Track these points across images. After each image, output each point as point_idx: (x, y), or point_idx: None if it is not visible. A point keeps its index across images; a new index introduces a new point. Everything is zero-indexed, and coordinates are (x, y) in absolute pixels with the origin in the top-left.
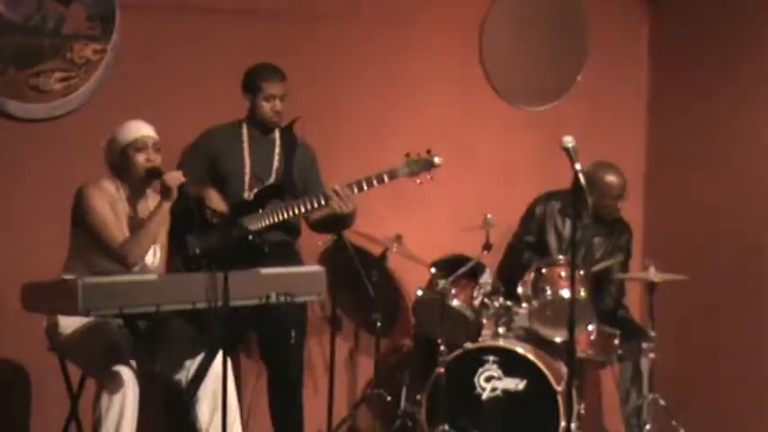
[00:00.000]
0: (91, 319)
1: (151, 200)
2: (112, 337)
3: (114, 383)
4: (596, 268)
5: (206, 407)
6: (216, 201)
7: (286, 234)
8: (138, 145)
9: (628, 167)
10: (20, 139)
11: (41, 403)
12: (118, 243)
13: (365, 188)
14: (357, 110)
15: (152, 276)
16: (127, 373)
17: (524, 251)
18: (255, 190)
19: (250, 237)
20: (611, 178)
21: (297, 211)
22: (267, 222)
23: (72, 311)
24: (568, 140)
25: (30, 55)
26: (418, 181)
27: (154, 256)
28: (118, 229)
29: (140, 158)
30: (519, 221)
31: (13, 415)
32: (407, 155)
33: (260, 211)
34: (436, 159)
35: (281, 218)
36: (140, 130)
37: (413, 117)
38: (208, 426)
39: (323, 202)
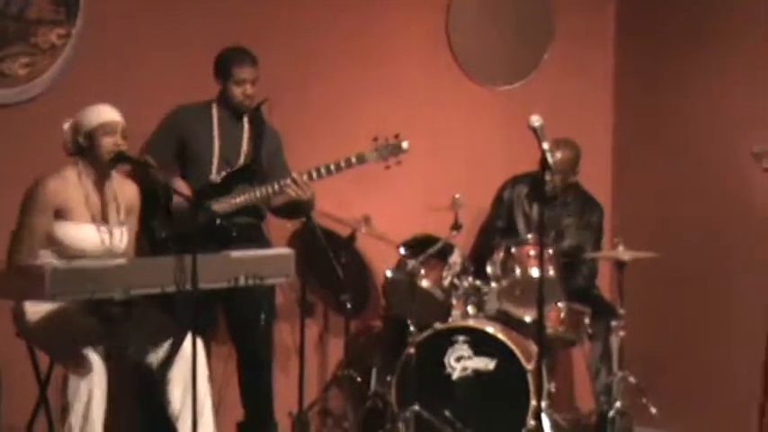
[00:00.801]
0: (57, 304)
1: (116, 182)
2: (79, 323)
3: (81, 368)
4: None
5: (177, 390)
6: (182, 187)
7: (253, 217)
8: (106, 129)
9: (595, 145)
10: None
11: (9, 390)
12: (17, 259)
13: (333, 172)
14: (324, 91)
15: (121, 261)
16: (94, 358)
17: (495, 236)
18: (223, 173)
19: (218, 221)
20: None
21: (261, 195)
22: (233, 205)
23: (39, 297)
24: (535, 119)
25: None
26: (386, 166)
27: (120, 240)
28: (29, 249)
29: (108, 142)
30: (490, 206)
31: None
32: (375, 139)
33: (227, 194)
34: (404, 144)
35: (245, 200)
36: (108, 113)
37: (380, 97)
38: (180, 409)
39: (277, 189)
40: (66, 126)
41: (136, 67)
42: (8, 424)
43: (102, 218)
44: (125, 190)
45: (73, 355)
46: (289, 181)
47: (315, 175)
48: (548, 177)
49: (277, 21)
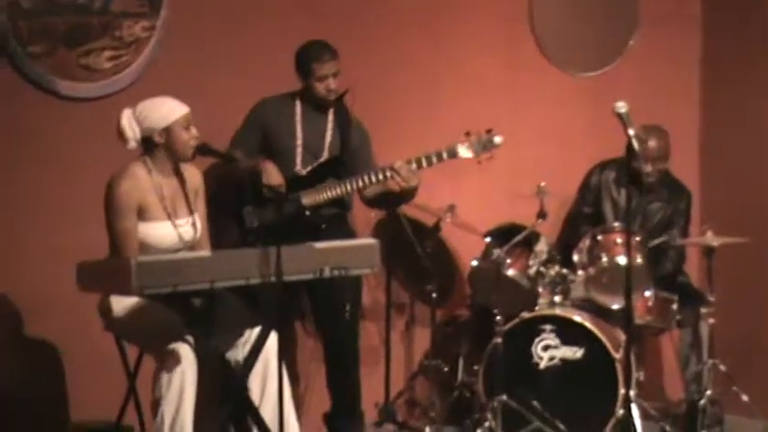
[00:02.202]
0: (141, 299)
1: (187, 173)
2: (167, 315)
3: (174, 360)
4: (653, 244)
5: (256, 385)
6: (273, 174)
7: (339, 208)
8: (182, 123)
9: (682, 131)
10: (70, 118)
11: (97, 382)
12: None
13: (424, 166)
14: (408, 81)
15: (205, 253)
16: (186, 351)
17: (582, 223)
18: (311, 166)
19: (306, 212)
20: (648, 142)
21: (354, 187)
22: (323, 198)
23: (126, 291)
24: (621, 106)
25: (79, 34)
26: (477, 161)
27: (195, 230)
28: (133, 244)
29: (186, 136)
30: (576, 193)
31: (70, 393)
32: (468, 134)
33: (316, 186)
34: (496, 139)
35: (337, 193)
36: (181, 107)
37: (465, 86)
38: (259, 401)
39: (381, 178)
40: (126, 120)
41: (219, 59)
42: (98, 416)
43: (176, 211)
44: (190, 174)
45: (164, 347)
46: (390, 170)
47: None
48: (649, 168)
49: (356, 12)
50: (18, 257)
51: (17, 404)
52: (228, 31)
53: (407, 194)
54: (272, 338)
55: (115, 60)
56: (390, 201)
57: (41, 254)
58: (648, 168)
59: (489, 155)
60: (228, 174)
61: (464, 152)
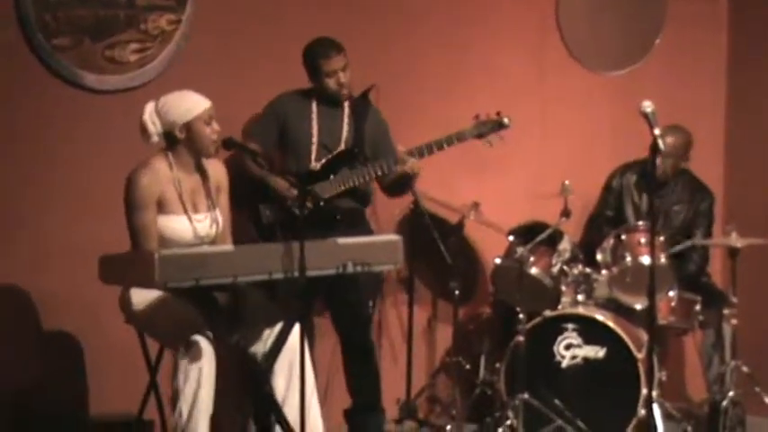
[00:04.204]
0: (162, 293)
1: (211, 168)
2: (186, 309)
3: (191, 355)
4: (675, 250)
5: (281, 379)
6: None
7: (356, 202)
8: (205, 118)
9: (707, 131)
10: (96, 111)
11: (119, 375)
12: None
13: (435, 151)
14: (432, 75)
15: (228, 248)
16: (204, 344)
17: (604, 225)
18: (323, 159)
19: (321, 203)
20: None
21: (365, 177)
22: (338, 190)
23: (149, 284)
24: (647, 105)
25: (105, 26)
26: (489, 144)
27: (212, 226)
28: (153, 237)
29: (209, 131)
30: (599, 195)
31: (90, 387)
32: (476, 117)
33: (331, 177)
34: (505, 120)
35: (351, 185)
36: (203, 101)
37: (489, 82)
38: (284, 397)
39: (393, 167)
40: (148, 115)
41: (244, 52)
42: (118, 410)
43: (196, 206)
44: (213, 170)
45: (182, 340)
46: (396, 163)
47: (417, 154)
48: (658, 161)
49: (381, 6)
50: (39, 251)
51: (37, 398)
52: (254, 24)
53: (411, 179)
54: (296, 334)
55: (141, 53)
56: (401, 186)
57: (63, 247)
58: (659, 162)
59: (500, 137)
60: (240, 169)
61: (472, 134)
